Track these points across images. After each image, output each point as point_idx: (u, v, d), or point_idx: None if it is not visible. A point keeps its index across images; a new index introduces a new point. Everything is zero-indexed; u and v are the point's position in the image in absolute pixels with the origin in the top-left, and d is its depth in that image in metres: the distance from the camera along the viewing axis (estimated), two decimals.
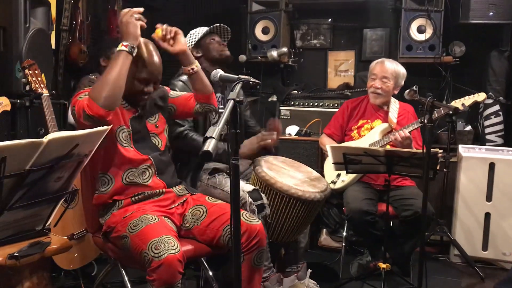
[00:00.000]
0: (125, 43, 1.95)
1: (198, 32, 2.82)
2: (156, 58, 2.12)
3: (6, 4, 2.74)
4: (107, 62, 3.46)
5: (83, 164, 1.58)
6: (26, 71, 2.47)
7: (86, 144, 1.51)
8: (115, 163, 2.13)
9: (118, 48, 1.96)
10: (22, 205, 1.38)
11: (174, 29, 2.18)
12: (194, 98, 2.34)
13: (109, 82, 1.90)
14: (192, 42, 2.80)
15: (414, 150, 2.74)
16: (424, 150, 2.36)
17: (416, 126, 2.92)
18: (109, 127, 1.69)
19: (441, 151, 2.58)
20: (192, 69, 2.24)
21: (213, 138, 1.41)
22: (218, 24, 2.81)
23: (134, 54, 1.98)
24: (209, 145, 1.39)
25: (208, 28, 2.81)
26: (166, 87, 2.40)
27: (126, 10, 2.00)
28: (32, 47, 2.80)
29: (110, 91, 1.89)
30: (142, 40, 2.06)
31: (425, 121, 2.45)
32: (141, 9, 2.01)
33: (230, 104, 1.58)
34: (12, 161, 1.22)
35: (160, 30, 2.16)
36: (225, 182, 2.57)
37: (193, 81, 2.29)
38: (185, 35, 2.39)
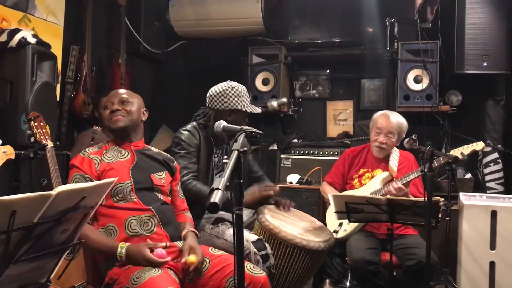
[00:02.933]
0: (123, 257, 2.00)
1: (246, 102, 2.78)
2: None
3: (15, 59, 2.82)
4: None
5: (89, 215, 1.58)
6: (32, 123, 2.50)
7: (93, 196, 1.52)
8: (118, 213, 2.15)
9: (117, 251, 2.01)
10: (27, 258, 1.38)
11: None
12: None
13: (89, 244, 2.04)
14: (236, 104, 2.74)
15: (416, 198, 2.74)
16: (426, 198, 2.38)
17: (416, 175, 2.93)
18: (116, 178, 1.71)
19: (442, 199, 2.60)
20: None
21: (220, 189, 1.43)
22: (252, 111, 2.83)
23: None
24: (216, 197, 1.41)
25: (251, 111, 2.82)
26: (176, 164, 2.48)
27: (151, 259, 1.98)
28: (38, 99, 2.85)
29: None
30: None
31: (426, 170, 2.48)
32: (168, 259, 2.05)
33: (235, 154, 1.61)
34: (21, 214, 1.23)
35: (195, 263, 2.09)
36: (228, 232, 2.56)
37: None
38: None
